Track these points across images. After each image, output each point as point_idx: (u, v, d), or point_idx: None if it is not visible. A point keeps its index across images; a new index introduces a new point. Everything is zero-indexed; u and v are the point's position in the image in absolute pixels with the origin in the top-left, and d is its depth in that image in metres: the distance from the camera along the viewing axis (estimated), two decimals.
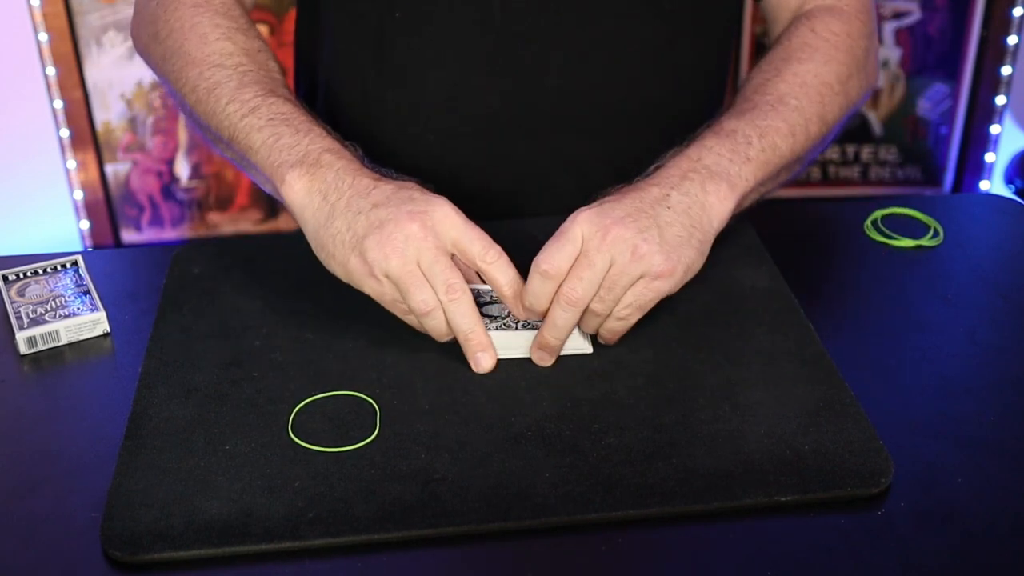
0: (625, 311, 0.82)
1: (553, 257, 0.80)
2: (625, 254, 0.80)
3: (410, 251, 0.79)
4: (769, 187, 0.92)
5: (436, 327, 0.82)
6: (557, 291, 0.81)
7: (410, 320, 0.84)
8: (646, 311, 0.83)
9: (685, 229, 0.82)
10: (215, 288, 0.94)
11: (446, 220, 0.80)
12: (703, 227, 0.83)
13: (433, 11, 1.04)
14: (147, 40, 1.01)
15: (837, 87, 0.97)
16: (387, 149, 1.06)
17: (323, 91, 1.15)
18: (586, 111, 1.07)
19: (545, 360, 0.84)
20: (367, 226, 0.80)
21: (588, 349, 0.85)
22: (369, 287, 0.82)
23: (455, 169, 1.08)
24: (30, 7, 2.07)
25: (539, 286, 0.81)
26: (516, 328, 0.84)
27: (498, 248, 0.81)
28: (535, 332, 0.83)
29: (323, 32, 1.12)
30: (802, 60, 0.97)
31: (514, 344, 0.84)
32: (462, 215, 0.81)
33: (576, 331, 0.84)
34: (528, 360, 0.84)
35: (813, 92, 0.94)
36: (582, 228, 0.80)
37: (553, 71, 1.05)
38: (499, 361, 0.84)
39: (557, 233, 0.81)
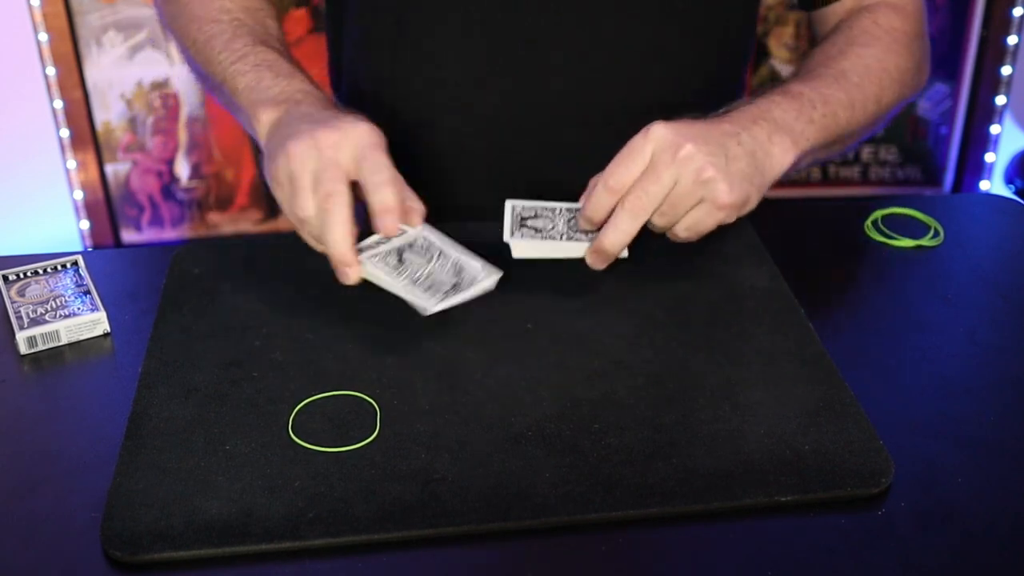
0: (684, 233, 0.87)
1: (620, 173, 0.84)
2: (691, 175, 0.83)
3: (308, 159, 0.82)
4: (822, 155, 0.96)
5: (309, 237, 0.85)
6: (623, 199, 0.84)
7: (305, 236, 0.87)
8: (702, 236, 0.87)
9: (749, 167, 0.86)
10: (215, 288, 0.94)
11: (354, 139, 0.83)
12: (763, 172, 0.87)
13: (450, 6, 1.05)
14: (162, 1, 1.08)
15: (895, 74, 1.00)
16: (403, 143, 1.07)
17: (346, 82, 1.17)
18: (590, 110, 1.07)
19: (599, 263, 0.88)
20: (286, 136, 0.85)
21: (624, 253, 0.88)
22: (275, 192, 0.86)
23: (465, 164, 1.09)
24: (30, 7, 2.07)
25: (602, 199, 0.85)
26: (559, 238, 0.89)
27: (387, 176, 0.83)
28: (577, 242, 0.89)
29: (345, 24, 1.14)
30: (865, 44, 1.00)
31: (561, 248, 0.89)
32: (376, 140, 0.84)
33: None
34: (528, 360, 0.84)
35: (873, 75, 0.98)
36: (653, 144, 0.84)
37: (558, 70, 1.05)
38: (499, 357, 0.84)
39: (627, 147, 0.84)
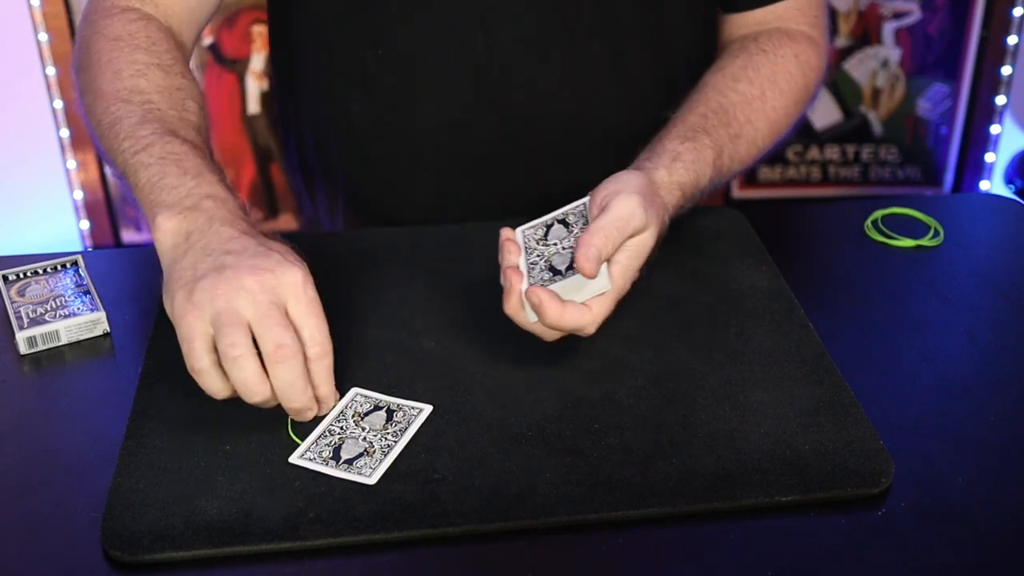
0: None
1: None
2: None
3: (241, 300, 0.72)
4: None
5: (239, 377, 0.72)
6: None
7: (205, 380, 0.74)
8: None
9: None
10: None
11: (290, 288, 0.74)
12: None
13: (416, 50, 1.03)
14: (76, 69, 0.96)
15: (791, 125, 1.02)
16: (378, 183, 1.05)
17: (309, 122, 1.14)
18: (572, 146, 1.07)
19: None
20: (207, 269, 0.74)
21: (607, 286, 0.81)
22: (186, 323, 0.73)
23: (447, 202, 1.08)
24: (30, 7, 2.07)
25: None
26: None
27: (324, 345, 0.75)
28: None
29: (303, 61, 1.11)
30: (784, 92, 1.00)
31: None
32: (311, 290, 0.75)
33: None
34: (528, 360, 0.84)
35: (775, 129, 1.00)
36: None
37: (539, 107, 1.05)
38: (499, 357, 0.84)
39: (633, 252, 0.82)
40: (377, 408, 0.79)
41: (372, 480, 0.73)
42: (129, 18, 0.95)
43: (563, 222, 0.84)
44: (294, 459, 0.75)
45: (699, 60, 1.08)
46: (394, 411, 0.79)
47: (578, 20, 1.02)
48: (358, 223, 1.14)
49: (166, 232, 0.78)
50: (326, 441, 0.76)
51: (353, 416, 0.78)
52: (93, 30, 0.95)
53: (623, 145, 0.95)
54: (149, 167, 0.81)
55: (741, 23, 1.07)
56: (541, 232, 0.84)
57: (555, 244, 0.83)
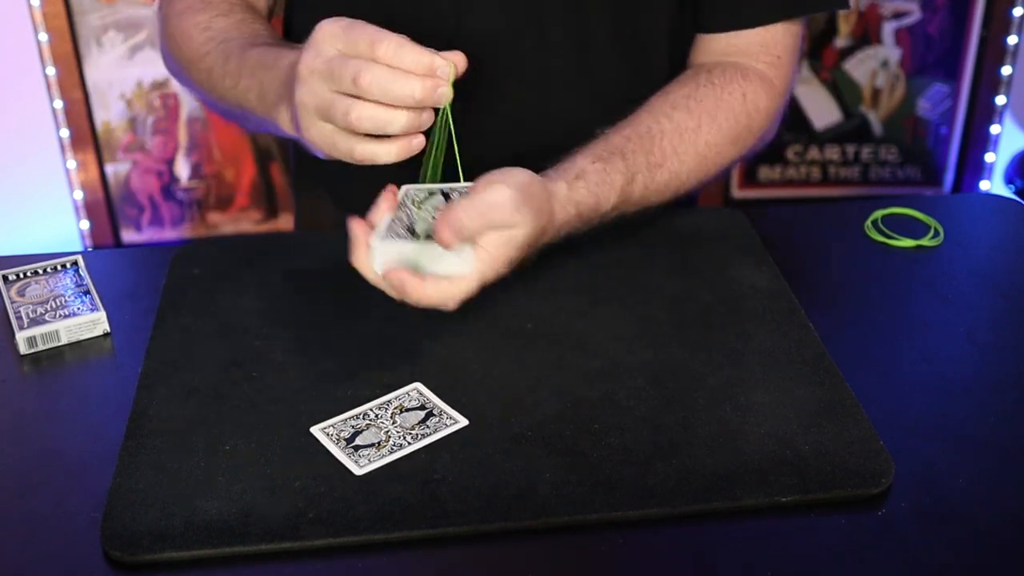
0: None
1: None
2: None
3: (314, 80, 0.78)
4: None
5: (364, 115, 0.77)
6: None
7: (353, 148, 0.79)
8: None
9: None
10: (215, 288, 0.94)
11: (326, 32, 0.78)
12: None
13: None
14: (170, 62, 1.06)
15: (726, 164, 1.00)
16: (353, 175, 1.06)
17: None
18: (530, 148, 1.06)
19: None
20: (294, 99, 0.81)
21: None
22: (319, 119, 0.80)
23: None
24: (30, 7, 2.07)
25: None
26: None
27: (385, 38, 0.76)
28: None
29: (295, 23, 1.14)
30: (722, 129, 0.98)
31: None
32: (344, 22, 0.78)
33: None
34: (528, 360, 0.84)
35: (704, 166, 0.97)
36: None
37: (511, 102, 1.04)
38: (499, 357, 0.84)
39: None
40: (421, 408, 0.79)
41: (360, 471, 0.73)
42: None
43: (446, 195, 0.83)
44: (315, 429, 0.76)
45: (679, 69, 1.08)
46: (433, 416, 0.79)
47: (550, 25, 1.02)
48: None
49: (287, 122, 0.86)
50: (353, 423, 0.77)
51: (395, 408, 0.79)
52: (165, 21, 1.04)
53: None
54: (250, 88, 0.90)
55: (706, 49, 1.05)
56: (422, 195, 0.82)
57: (427, 210, 0.82)
